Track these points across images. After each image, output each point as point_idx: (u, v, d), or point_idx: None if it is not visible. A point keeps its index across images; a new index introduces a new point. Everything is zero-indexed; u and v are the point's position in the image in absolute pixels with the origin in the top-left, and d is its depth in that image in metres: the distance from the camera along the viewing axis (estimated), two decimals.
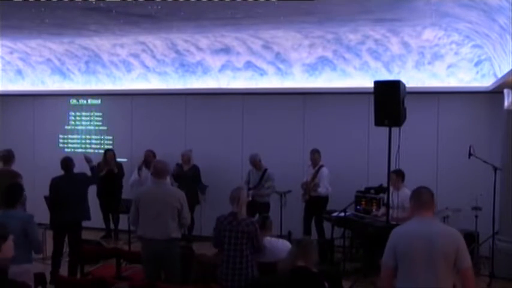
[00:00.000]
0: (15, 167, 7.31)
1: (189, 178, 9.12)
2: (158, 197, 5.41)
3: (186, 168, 9.25)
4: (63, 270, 6.77)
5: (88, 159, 7.30)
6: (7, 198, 4.95)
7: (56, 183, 6.94)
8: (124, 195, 9.33)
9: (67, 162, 6.99)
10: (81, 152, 10.25)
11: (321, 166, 8.53)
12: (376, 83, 6.35)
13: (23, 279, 4.56)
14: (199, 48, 9.40)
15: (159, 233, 5.33)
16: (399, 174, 7.55)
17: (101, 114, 10.67)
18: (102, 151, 10.22)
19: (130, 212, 5.60)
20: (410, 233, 3.70)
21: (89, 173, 7.35)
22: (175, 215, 5.38)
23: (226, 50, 9.28)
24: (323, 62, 9.10)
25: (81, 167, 7.52)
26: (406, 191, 7.65)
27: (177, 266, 5.48)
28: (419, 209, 3.73)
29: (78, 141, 10.80)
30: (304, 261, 4.20)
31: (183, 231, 9.09)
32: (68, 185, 6.88)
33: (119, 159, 9.87)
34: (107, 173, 9.41)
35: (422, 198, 3.76)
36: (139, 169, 9.13)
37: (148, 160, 9.00)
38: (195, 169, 9.31)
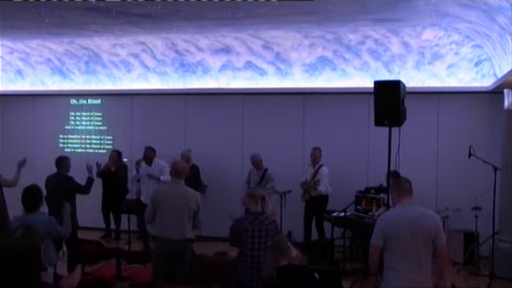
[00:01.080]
0: (16, 166, 7.28)
1: (188, 178, 9.11)
2: (176, 197, 5.41)
3: None
4: (63, 270, 6.76)
5: (89, 169, 7.14)
6: (28, 202, 4.83)
7: (46, 180, 6.84)
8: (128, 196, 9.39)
9: (58, 161, 6.84)
10: (81, 153, 10.28)
11: (321, 165, 8.53)
12: (376, 83, 6.35)
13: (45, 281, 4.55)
14: (199, 48, 9.40)
15: (176, 233, 5.33)
16: (396, 177, 7.56)
17: (101, 114, 10.67)
18: (102, 151, 10.29)
19: (147, 210, 5.59)
20: (397, 217, 4.23)
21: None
22: (191, 216, 5.39)
23: (226, 50, 9.28)
24: (323, 62, 9.10)
25: (81, 169, 7.51)
26: None
27: (187, 266, 5.49)
28: (402, 197, 4.28)
29: (78, 141, 10.79)
30: (285, 259, 4.18)
31: None
32: (53, 184, 6.77)
33: None
34: (107, 172, 9.45)
35: (403, 187, 4.32)
36: (137, 164, 9.12)
37: (149, 156, 9.01)
38: (195, 169, 9.32)
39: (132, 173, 9.34)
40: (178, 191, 5.47)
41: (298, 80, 9.42)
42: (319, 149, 8.63)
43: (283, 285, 4.07)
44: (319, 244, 8.14)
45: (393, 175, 7.36)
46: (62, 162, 6.83)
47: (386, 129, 6.23)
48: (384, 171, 6.76)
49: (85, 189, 6.96)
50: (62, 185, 6.75)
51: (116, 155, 9.69)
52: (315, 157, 8.59)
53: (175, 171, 5.56)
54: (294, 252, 4.25)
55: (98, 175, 9.19)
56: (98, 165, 7.16)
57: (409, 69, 8.76)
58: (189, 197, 5.45)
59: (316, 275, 4.18)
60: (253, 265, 4.76)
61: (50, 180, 6.83)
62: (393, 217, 4.26)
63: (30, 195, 4.87)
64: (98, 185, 8.85)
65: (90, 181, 7.01)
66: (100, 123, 10.67)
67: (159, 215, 5.42)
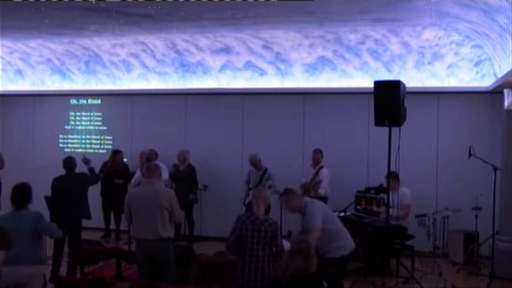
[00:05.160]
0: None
1: (185, 178, 9.14)
2: (148, 198, 5.44)
3: (182, 168, 9.27)
4: (63, 270, 6.76)
5: (86, 161, 7.26)
6: (16, 199, 4.88)
7: (56, 182, 6.98)
8: None
9: (69, 162, 7.01)
10: (80, 152, 10.27)
11: (321, 167, 8.54)
12: (376, 83, 6.36)
13: (35, 280, 4.57)
14: (199, 48, 9.40)
15: (150, 233, 5.36)
16: (394, 177, 7.59)
17: (101, 114, 10.67)
18: (102, 151, 10.29)
19: (124, 211, 5.67)
20: (323, 204, 5.77)
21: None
22: (165, 214, 5.40)
23: (226, 50, 9.28)
24: (323, 62, 9.10)
25: (82, 168, 7.52)
26: (403, 190, 7.72)
27: (171, 265, 5.48)
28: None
29: (78, 141, 10.79)
30: (303, 265, 4.18)
31: (184, 232, 9.16)
32: (68, 184, 6.90)
33: None
34: (108, 173, 9.45)
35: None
36: (143, 167, 9.15)
37: (152, 158, 9.02)
38: (191, 169, 9.33)
39: (137, 175, 9.28)
40: (149, 191, 5.51)
41: (298, 80, 9.42)
42: (321, 151, 8.64)
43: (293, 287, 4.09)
44: None
45: (392, 176, 7.41)
46: (72, 162, 7.02)
47: (387, 129, 6.23)
48: (383, 171, 6.76)
49: (95, 180, 7.35)
50: (81, 182, 7.01)
51: (121, 156, 9.72)
52: (317, 159, 8.61)
53: (147, 172, 5.65)
54: (315, 260, 4.23)
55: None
56: (85, 160, 7.33)
57: (409, 69, 8.76)
58: (160, 195, 5.47)
59: (325, 284, 4.19)
60: (252, 265, 4.74)
61: (63, 182, 6.94)
62: (320, 203, 5.73)
63: (20, 193, 4.92)
64: (97, 185, 8.85)
65: (93, 171, 7.30)
66: (100, 123, 10.67)
67: (134, 216, 5.48)
